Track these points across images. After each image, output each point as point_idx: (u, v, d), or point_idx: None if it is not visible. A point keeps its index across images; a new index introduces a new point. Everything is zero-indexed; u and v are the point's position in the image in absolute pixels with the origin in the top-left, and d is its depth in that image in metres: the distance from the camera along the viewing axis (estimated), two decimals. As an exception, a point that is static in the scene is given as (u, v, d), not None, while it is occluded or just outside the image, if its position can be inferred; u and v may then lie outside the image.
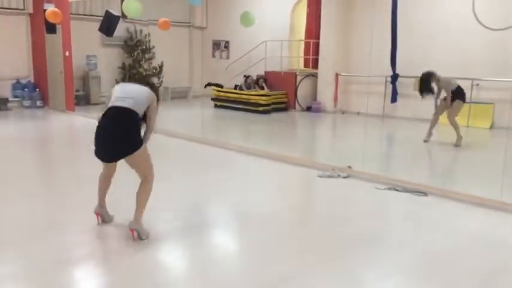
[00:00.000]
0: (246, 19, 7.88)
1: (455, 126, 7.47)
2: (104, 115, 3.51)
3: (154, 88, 3.74)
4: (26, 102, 11.96)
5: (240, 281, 3.00)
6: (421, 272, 3.16)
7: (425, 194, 4.82)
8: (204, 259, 3.34)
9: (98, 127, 3.53)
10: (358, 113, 11.25)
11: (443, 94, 7.77)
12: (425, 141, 7.72)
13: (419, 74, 10.48)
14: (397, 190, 4.97)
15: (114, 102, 3.51)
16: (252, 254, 3.44)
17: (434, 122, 7.80)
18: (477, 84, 9.54)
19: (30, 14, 12.01)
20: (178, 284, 3.01)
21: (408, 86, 10.76)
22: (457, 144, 7.41)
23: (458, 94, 7.55)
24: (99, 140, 3.51)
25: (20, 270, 3.07)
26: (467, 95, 9.47)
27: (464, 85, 9.51)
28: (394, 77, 10.67)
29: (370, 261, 3.30)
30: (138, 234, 3.47)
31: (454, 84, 7.62)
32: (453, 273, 3.14)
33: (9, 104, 11.60)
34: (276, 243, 3.61)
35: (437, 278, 3.06)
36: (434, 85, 7.73)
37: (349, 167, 5.69)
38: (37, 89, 12.09)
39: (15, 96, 11.94)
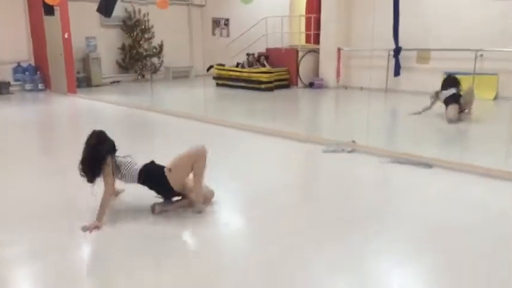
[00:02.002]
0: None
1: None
2: None
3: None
4: (28, 86, 11.95)
5: (248, 256, 3.03)
6: (426, 243, 3.18)
7: (429, 166, 4.82)
8: (211, 235, 3.38)
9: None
10: (361, 88, 11.19)
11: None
12: (414, 113, 7.65)
13: (422, 46, 10.43)
14: (401, 163, 4.97)
15: None
16: (258, 229, 3.48)
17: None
18: (481, 55, 9.44)
19: (27, -4, 11.90)
20: (185, 260, 3.05)
21: (411, 59, 10.68)
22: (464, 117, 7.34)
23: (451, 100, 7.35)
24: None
25: (27, 250, 3.12)
26: (471, 66, 9.44)
27: (468, 56, 9.47)
28: (397, 50, 10.56)
29: (376, 233, 3.32)
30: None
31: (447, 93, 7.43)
32: (458, 243, 3.17)
33: (11, 88, 11.60)
34: (282, 219, 3.63)
35: (442, 249, 3.08)
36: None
37: (353, 141, 5.69)
38: (38, 72, 12.06)
39: (17, 80, 11.93)
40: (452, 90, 7.35)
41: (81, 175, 3.57)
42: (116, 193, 3.89)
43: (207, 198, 3.79)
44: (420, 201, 3.97)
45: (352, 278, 2.72)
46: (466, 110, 7.35)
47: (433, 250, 3.07)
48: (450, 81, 7.62)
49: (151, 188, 3.71)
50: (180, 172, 3.59)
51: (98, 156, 3.51)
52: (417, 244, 3.16)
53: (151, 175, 3.63)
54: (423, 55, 10.60)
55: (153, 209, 3.63)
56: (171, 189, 3.64)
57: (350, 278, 2.73)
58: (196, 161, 3.53)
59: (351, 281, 2.69)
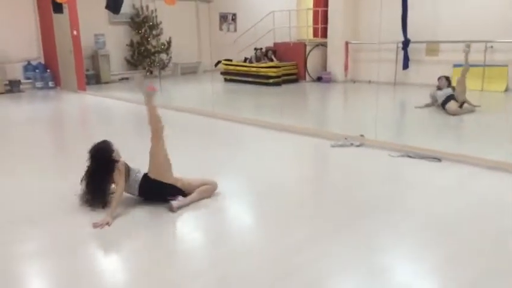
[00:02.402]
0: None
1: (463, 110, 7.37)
2: None
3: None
4: (38, 84, 12.08)
5: (258, 250, 3.07)
6: (434, 235, 3.19)
7: (438, 159, 4.81)
8: (221, 230, 3.42)
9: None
10: (370, 82, 11.14)
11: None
12: (419, 107, 7.80)
13: (431, 39, 10.35)
14: (410, 157, 4.97)
15: None
16: (268, 223, 3.51)
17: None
18: (491, 47, 9.36)
19: (36, -5, 11.99)
20: (197, 254, 3.09)
21: (420, 52, 10.60)
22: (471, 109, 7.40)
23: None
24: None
25: (42, 247, 3.18)
26: (481, 58, 9.35)
27: (478, 48, 9.38)
28: (406, 43, 10.50)
29: (386, 226, 3.34)
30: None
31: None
32: (467, 236, 3.17)
33: (21, 86, 11.73)
34: (292, 212, 3.66)
35: (451, 241, 3.09)
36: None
37: (362, 135, 5.69)
38: (48, 70, 12.18)
39: (27, 78, 12.06)
40: (447, 91, 7.48)
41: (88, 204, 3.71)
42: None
43: (208, 190, 3.90)
44: (430, 195, 3.97)
45: (363, 269, 2.74)
46: (465, 104, 7.41)
47: (443, 242, 3.08)
48: (443, 79, 7.76)
49: (152, 197, 3.80)
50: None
51: (109, 161, 3.68)
52: (427, 236, 3.17)
53: (148, 184, 3.75)
54: (432, 47, 10.51)
55: (171, 208, 3.64)
56: (165, 184, 3.73)
57: (360, 269, 2.75)
58: (205, 185, 3.89)
59: (362, 272, 2.72)
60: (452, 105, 7.30)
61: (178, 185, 3.80)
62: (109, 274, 2.87)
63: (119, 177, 3.66)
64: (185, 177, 3.89)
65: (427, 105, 7.80)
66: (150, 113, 3.78)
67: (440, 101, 7.51)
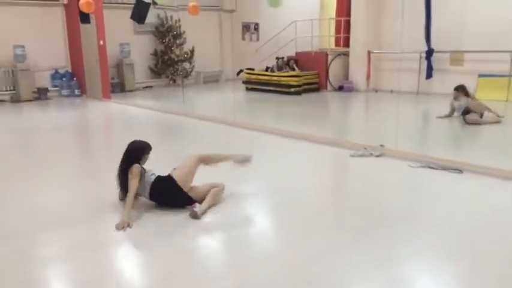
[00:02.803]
0: (273, 0, 7.85)
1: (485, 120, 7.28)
2: None
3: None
4: (65, 92, 12.41)
5: (277, 258, 3.09)
6: (455, 247, 3.15)
7: (460, 171, 4.75)
8: (241, 237, 3.45)
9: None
10: (392, 91, 11.06)
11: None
12: (440, 117, 7.74)
13: (456, 48, 10.23)
14: (431, 168, 4.91)
15: None
16: (288, 232, 3.53)
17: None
18: (517, 57, 9.18)
19: (64, 5, 12.37)
20: (216, 260, 3.13)
21: (444, 61, 10.48)
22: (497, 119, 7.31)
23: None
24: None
25: (64, 250, 3.27)
26: (506, 68, 9.20)
27: (503, 58, 9.23)
28: (429, 52, 10.40)
29: (405, 237, 3.32)
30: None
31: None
32: (488, 248, 3.13)
33: (49, 94, 12.09)
34: (311, 222, 3.67)
35: (471, 253, 3.05)
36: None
37: (382, 145, 5.66)
38: (74, 78, 12.51)
39: (55, 86, 12.42)
40: (463, 103, 7.44)
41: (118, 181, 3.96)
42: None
43: (219, 192, 4.04)
44: (450, 206, 3.92)
45: (382, 279, 2.73)
46: (487, 113, 7.35)
47: (463, 254, 3.05)
48: (459, 90, 7.71)
49: (163, 200, 3.93)
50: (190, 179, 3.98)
51: (129, 159, 3.88)
52: (447, 248, 3.14)
53: (162, 185, 3.88)
54: (457, 57, 10.38)
55: (195, 215, 3.70)
56: (181, 191, 3.85)
57: (380, 279, 2.74)
58: (214, 188, 4.05)
59: (381, 282, 2.71)
60: (471, 115, 7.24)
61: (191, 194, 3.90)
62: (128, 278, 2.93)
63: (131, 177, 3.77)
64: (197, 186, 4.01)
65: (447, 116, 7.74)
66: (221, 161, 4.17)
67: (459, 112, 7.47)
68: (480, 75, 9.89)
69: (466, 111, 7.34)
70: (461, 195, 4.21)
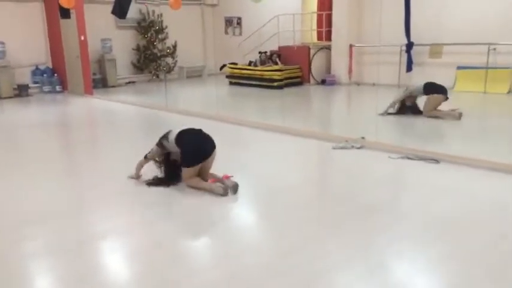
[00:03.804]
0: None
1: (435, 116, 7.18)
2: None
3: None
4: (46, 88, 12.27)
5: (261, 250, 3.16)
6: (434, 235, 3.26)
7: (437, 161, 4.88)
8: (225, 229, 3.51)
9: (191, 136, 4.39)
10: (374, 84, 11.20)
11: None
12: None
13: (435, 41, 10.40)
14: (410, 158, 5.04)
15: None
16: (270, 224, 3.60)
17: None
18: (494, 49, 9.40)
19: (44, 0, 12.19)
20: (201, 254, 3.19)
21: (424, 54, 10.65)
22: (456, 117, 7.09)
23: (430, 90, 7.32)
24: (200, 140, 4.39)
25: (48, 246, 3.30)
26: (484, 60, 9.40)
27: (481, 50, 9.43)
28: (409, 46, 10.54)
29: (386, 226, 3.42)
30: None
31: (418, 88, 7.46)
32: (464, 237, 3.24)
33: (30, 90, 11.93)
34: (293, 214, 3.75)
35: (450, 241, 3.16)
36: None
37: (363, 137, 5.77)
38: (55, 74, 12.37)
39: (35, 82, 12.27)
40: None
41: None
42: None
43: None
44: (429, 196, 4.04)
45: (361, 267, 2.83)
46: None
47: (441, 242, 3.16)
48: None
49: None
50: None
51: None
52: (426, 236, 3.25)
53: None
54: (436, 50, 10.56)
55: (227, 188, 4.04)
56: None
57: (359, 267, 2.83)
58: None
59: (360, 270, 2.80)
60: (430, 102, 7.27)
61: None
62: (113, 272, 2.98)
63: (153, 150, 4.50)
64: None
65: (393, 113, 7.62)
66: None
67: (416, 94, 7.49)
68: (458, 67, 10.10)
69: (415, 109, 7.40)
70: (438, 185, 4.33)
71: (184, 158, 4.25)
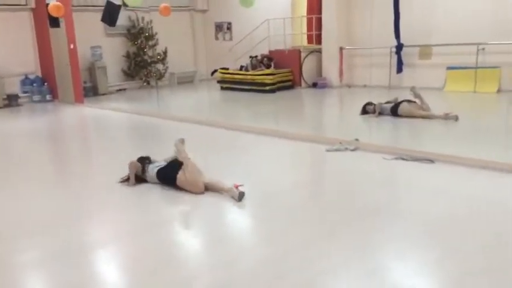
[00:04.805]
0: (244, 0, 7.90)
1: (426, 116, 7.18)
2: None
3: None
4: (36, 97, 12.16)
5: (256, 253, 3.14)
6: (430, 234, 3.27)
7: (432, 161, 4.90)
8: (220, 233, 3.50)
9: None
10: (365, 86, 11.27)
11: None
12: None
13: (424, 42, 10.48)
14: (404, 159, 5.06)
15: None
16: (266, 227, 3.59)
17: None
18: (483, 49, 9.48)
19: (32, 9, 12.11)
20: (196, 260, 3.16)
21: (413, 56, 10.73)
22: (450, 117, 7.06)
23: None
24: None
25: (41, 257, 3.25)
26: (473, 60, 9.50)
27: (470, 50, 9.52)
28: (399, 47, 10.63)
29: (382, 226, 3.43)
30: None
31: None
32: (460, 236, 3.25)
33: (19, 100, 11.81)
34: (289, 216, 3.74)
35: (446, 239, 3.18)
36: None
37: (357, 139, 5.78)
38: (45, 83, 12.27)
39: (25, 92, 12.15)
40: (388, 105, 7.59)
41: None
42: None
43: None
44: (424, 195, 4.05)
45: (358, 269, 2.82)
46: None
47: (437, 241, 3.17)
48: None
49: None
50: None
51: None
52: (421, 235, 3.26)
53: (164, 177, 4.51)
54: (425, 51, 10.65)
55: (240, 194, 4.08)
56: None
57: (355, 269, 2.82)
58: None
59: (357, 272, 2.79)
60: (404, 106, 7.33)
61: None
62: (106, 281, 2.94)
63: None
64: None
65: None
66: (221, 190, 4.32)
67: (386, 111, 7.52)
68: (448, 68, 10.19)
69: (395, 107, 7.43)
70: (433, 184, 4.35)
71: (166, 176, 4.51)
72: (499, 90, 9.42)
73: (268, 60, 12.34)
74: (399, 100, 7.57)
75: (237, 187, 4.13)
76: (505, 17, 9.19)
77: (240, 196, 4.05)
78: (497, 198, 3.93)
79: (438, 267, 2.85)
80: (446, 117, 6.96)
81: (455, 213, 3.64)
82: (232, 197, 4.08)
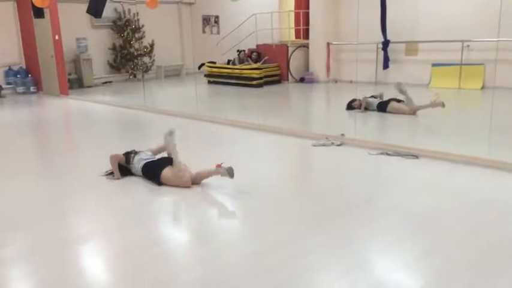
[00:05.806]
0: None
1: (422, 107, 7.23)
2: None
3: None
4: (20, 89, 11.98)
5: (240, 248, 3.15)
6: (414, 228, 3.32)
7: (416, 156, 4.96)
8: (206, 228, 3.50)
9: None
10: (351, 81, 11.30)
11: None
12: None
13: (410, 39, 10.58)
14: (389, 154, 5.10)
15: None
16: (251, 221, 3.60)
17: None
18: (468, 46, 9.59)
19: (16, 0, 11.89)
20: (181, 253, 3.16)
21: (400, 52, 10.81)
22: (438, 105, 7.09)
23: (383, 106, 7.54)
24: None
25: (26, 250, 3.22)
26: (458, 57, 9.60)
27: (455, 47, 9.62)
28: (385, 43, 10.69)
29: (366, 221, 3.46)
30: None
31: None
32: (445, 228, 3.31)
33: (3, 92, 11.62)
34: (275, 211, 3.76)
35: (429, 234, 3.22)
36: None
37: (342, 134, 5.82)
38: (29, 75, 12.09)
39: (8, 83, 11.95)
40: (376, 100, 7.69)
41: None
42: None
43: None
44: (408, 190, 4.11)
45: (342, 263, 2.85)
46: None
47: (421, 235, 3.21)
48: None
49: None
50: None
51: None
52: (406, 229, 3.30)
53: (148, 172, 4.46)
54: (411, 47, 10.73)
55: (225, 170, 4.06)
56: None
57: (340, 264, 2.85)
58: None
59: (341, 266, 2.82)
60: (393, 104, 7.41)
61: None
62: (92, 275, 2.92)
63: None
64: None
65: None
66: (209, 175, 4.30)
67: (372, 106, 7.61)
68: (434, 65, 10.28)
69: (385, 104, 7.51)
70: (417, 179, 4.40)
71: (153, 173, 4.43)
72: (483, 87, 9.55)
73: (257, 55, 12.31)
74: (385, 99, 7.61)
75: (220, 166, 4.09)
76: (489, 14, 9.29)
77: (230, 171, 4.02)
78: (480, 193, 3.99)
79: (423, 260, 2.89)
80: (433, 104, 7.00)
81: (439, 207, 3.70)
82: (223, 176, 4.05)
